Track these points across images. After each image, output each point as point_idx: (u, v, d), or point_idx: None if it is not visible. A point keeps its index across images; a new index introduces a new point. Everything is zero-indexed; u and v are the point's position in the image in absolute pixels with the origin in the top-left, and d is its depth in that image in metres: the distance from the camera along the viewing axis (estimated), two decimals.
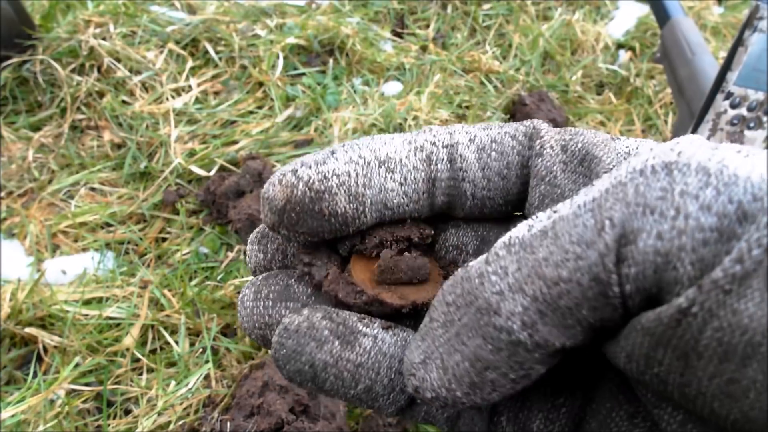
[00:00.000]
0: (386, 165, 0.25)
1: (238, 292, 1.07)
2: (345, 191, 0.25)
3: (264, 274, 0.28)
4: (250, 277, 0.29)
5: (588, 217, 0.19)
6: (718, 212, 0.17)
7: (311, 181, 0.25)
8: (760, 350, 0.16)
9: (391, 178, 0.25)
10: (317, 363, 0.25)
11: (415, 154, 0.26)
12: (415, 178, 0.26)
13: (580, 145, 0.25)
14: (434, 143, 0.26)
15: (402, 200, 0.26)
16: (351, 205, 0.25)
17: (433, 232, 0.28)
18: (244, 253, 1.17)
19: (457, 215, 0.28)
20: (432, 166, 0.26)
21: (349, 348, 0.24)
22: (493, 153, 0.26)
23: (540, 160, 0.25)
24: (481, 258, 0.22)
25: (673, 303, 0.18)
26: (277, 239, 0.29)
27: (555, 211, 0.21)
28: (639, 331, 0.19)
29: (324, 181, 0.25)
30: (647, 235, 0.18)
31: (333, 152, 0.25)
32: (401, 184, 0.26)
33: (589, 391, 0.24)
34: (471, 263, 0.22)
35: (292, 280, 0.27)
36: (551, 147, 0.25)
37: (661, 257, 0.18)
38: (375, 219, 0.26)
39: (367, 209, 0.26)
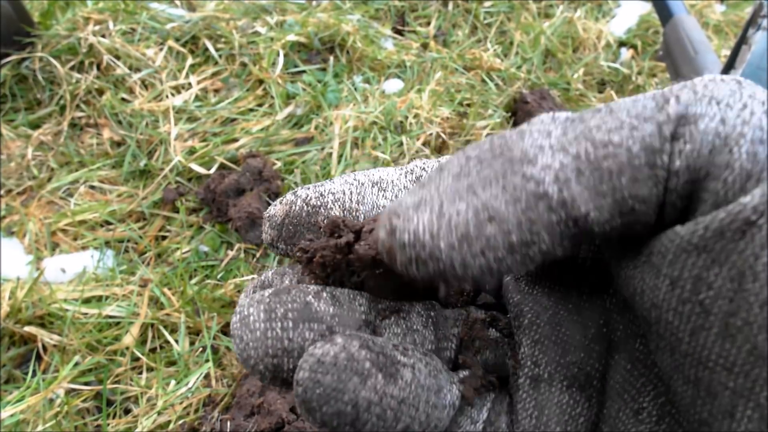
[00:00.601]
0: (379, 185, 0.27)
1: (239, 292, 1.07)
2: (339, 206, 0.26)
3: (271, 290, 0.24)
4: (253, 295, 0.24)
5: (649, 98, 0.19)
6: None
7: (308, 197, 0.26)
8: None
9: (383, 195, 0.26)
10: (361, 402, 0.21)
11: (406, 176, 0.27)
12: None
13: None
14: (424, 168, 0.27)
15: None
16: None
17: None
18: (245, 251, 1.17)
19: None
20: None
21: (393, 382, 0.21)
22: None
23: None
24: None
25: (740, 210, 0.16)
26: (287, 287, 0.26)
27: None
28: (692, 250, 0.17)
29: (320, 197, 0.26)
30: (710, 119, 0.18)
31: (330, 180, 0.27)
32: (392, 201, 0.26)
33: (600, 395, 0.24)
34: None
35: (310, 296, 0.23)
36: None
37: (719, 139, 0.18)
38: None
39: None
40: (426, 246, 0.20)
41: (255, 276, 0.25)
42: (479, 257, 0.19)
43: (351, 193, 0.26)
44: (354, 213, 0.26)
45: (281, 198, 0.27)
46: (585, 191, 0.18)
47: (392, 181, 0.27)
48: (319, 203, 0.26)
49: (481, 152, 0.21)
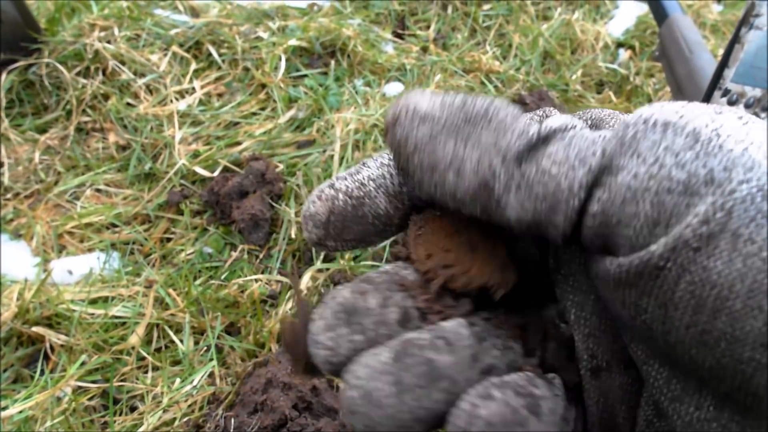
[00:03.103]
0: None
1: (242, 292, 1.09)
2: (384, 192, 0.26)
3: (388, 356, 0.22)
4: (370, 363, 0.22)
5: (593, 141, 0.22)
6: (689, 171, 0.20)
7: (349, 189, 0.26)
8: (727, 304, 0.18)
9: None
10: None
11: None
12: None
13: (590, 115, 0.28)
14: None
15: None
16: (391, 204, 0.26)
17: None
18: (248, 252, 1.19)
19: None
20: None
21: (540, 421, 0.22)
22: None
23: None
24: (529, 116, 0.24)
25: (646, 257, 0.19)
26: (374, 311, 0.24)
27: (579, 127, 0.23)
28: (624, 284, 0.20)
29: (362, 187, 0.26)
30: (627, 173, 0.21)
31: (364, 163, 0.27)
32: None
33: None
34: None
35: (431, 353, 0.22)
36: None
37: (630, 192, 0.20)
38: None
39: (407, 206, 0.26)
40: (407, 151, 0.24)
41: (328, 294, 0.22)
42: (431, 187, 0.23)
43: (391, 175, 0.26)
44: (399, 196, 0.26)
45: (317, 193, 0.26)
46: (515, 202, 0.22)
47: None
48: (361, 193, 0.26)
49: (495, 116, 0.23)
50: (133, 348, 1.01)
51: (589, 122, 0.27)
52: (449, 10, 1.81)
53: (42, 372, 0.99)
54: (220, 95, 1.50)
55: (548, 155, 0.22)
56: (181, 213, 1.25)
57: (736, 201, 0.18)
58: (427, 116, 0.23)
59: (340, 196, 0.25)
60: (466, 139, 0.22)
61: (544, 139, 0.22)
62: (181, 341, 1.03)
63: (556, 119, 0.23)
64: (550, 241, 0.23)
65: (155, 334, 1.05)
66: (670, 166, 0.20)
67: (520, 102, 1.50)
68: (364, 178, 0.26)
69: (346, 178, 0.26)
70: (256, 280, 1.12)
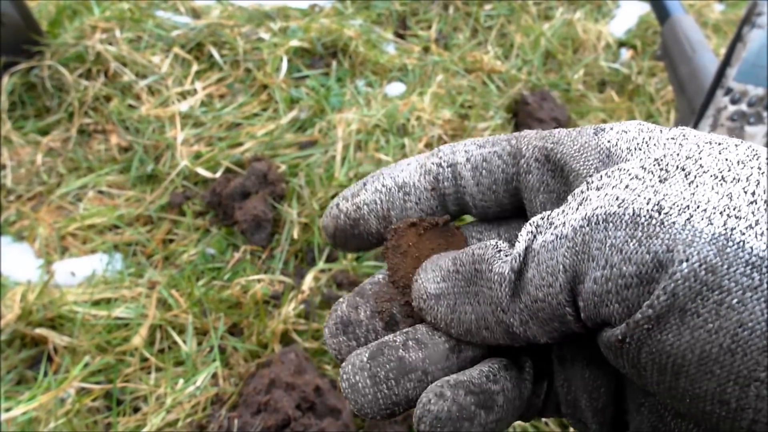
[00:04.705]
0: (403, 189, 0.31)
1: (245, 292, 1.09)
2: (374, 216, 0.31)
3: (366, 352, 0.28)
4: (353, 361, 0.28)
5: (560, 254, 0.24)
6: (637, 262, 0.21)
7: (348, 211, 0.31)
8: (684, 369, 0.20)
9: (408, 199, 0.31)
10: None
11: (425, 178, 0.31)
12: (427, 197, 0.31)
13: (559, 155, 0.28)
14: (440, 165, 0.31)
15: (420, 214, 0.32)
16: (381, 225, 0.31)
17: (449, 217, 0.32)
18: (251, 253, 1.19)
19: (474, 217, 0.33)
20: (440, 185, 0.31)
21: (491, 412, 0.26)
22: (484, 171, 0.30)
23: (530, 176, 0.29)
24: (498, 249, 0.27)
25: (612, 333, 0.22)
26: (363, 323, 0.30)
27: (544, 227, 0.25)
28: (606, 347, 0.23)
29: (357, 210, 0.31)
30: (589, 279, 0.23)
31: (365, 183, 0.32)
32: (417, 203, 0.31)
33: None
34: (491, 254, 0.27)
35: (400, 350, 0.28)
36: (536, 160, 0.29)
37: (597, 297, 0.22)
38: None
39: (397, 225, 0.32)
40: (442, 328, 0.28)
41: (333, 305, 0.28)
42: (478, 342, 0.28)
43: (382, 201, 0.31)
44: (387, 218, 0.31)
45: (329, 209, 0.32)
46: (539, 329, 0.25)
47: (413, 184, 0.31)
48: (357, 216, 0.31)
49: (480, 270, 0.26)
50: (136, 349, 1.02)
51: (559, 166, 0.28)
52: (451, 10, 1.81)
53: (45, 373, 0.99)
54: (221, 96, 1.50)
55: (530, 281, 0.24)
56: (184, 214, 1.25)
57: (677, 282, 0.20)
58: (439, 295, 0.28)
59: (342, 216, 0.31)
60: (476, 297, 0.26)
61: (520, 270, 0.25)
62: (184, 342, 1.04)
63: (520, 241, 0.25)
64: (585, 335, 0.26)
65: (158, 335, 1.05)
66: (618, 264, 0.22)
67: (523, 102, 1.50)
68: (360, 202, 0.31)
69: (347, 199, 0.31)
70: (259, 281, 1.12)
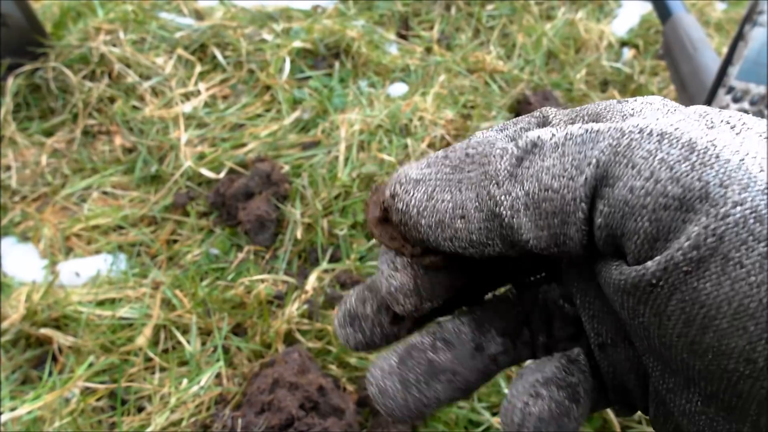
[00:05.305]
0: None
1: (249, 292, 1.09)
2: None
3: (394, 356, 0.28)
4: (382, 366, 0.28)
5: (590, 146, 0.22)
6: (684, 185, 0.20)
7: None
8: (714, 323, 0.19)
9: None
10: None
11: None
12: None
13: (587, 111, 0.28)
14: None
15: None
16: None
17: None
18: (255, 253, 1.19)
19: None
20: None
21: (579, 405, 0.26)
22: None
23: None
24: (510, 138, 0.25)
25: (639, 275, 0.21)
26: (370, 317, 0.30)
27: (561, 127, 0.24)
28: (624, 292, 0.22)
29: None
30: (623, 185, 0.21)
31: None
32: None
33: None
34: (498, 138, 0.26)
35: (429, 353, 0.28)
36: (565, 123, 0.28)
37: (629, 207, 0.21)
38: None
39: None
40: (412, 218, 0.25)
41: (345, 296, 0.28)
42: (448, 242, 0.24)
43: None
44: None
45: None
46: (529, 222, 0.23)
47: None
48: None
49: (475, 153, 0.25)
50: (140, 349, 1.02)
51: (586, 118, 0.28)
52: (453, 10, 1.81)
53: (50, 373, 1.00)
54: (225, 97, 1.51)
55: (546, 169, 0.22)
56: (188, 215, 1.25)
57: (728, 225, 0.19)
58: (419, 180, 0.25)
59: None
60: (459, 184, 0.24)
61: (530, 149, 0.23)
62: (188, 342, 1.04)
63: (536, 132, 0.24)
64: (573, 257, 0.24)
65: (162, 335, 1.05)
66: (665, 181, 0.20)
67: (525, 102, 1.50)
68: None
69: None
70: (263, 281, 1.12)
